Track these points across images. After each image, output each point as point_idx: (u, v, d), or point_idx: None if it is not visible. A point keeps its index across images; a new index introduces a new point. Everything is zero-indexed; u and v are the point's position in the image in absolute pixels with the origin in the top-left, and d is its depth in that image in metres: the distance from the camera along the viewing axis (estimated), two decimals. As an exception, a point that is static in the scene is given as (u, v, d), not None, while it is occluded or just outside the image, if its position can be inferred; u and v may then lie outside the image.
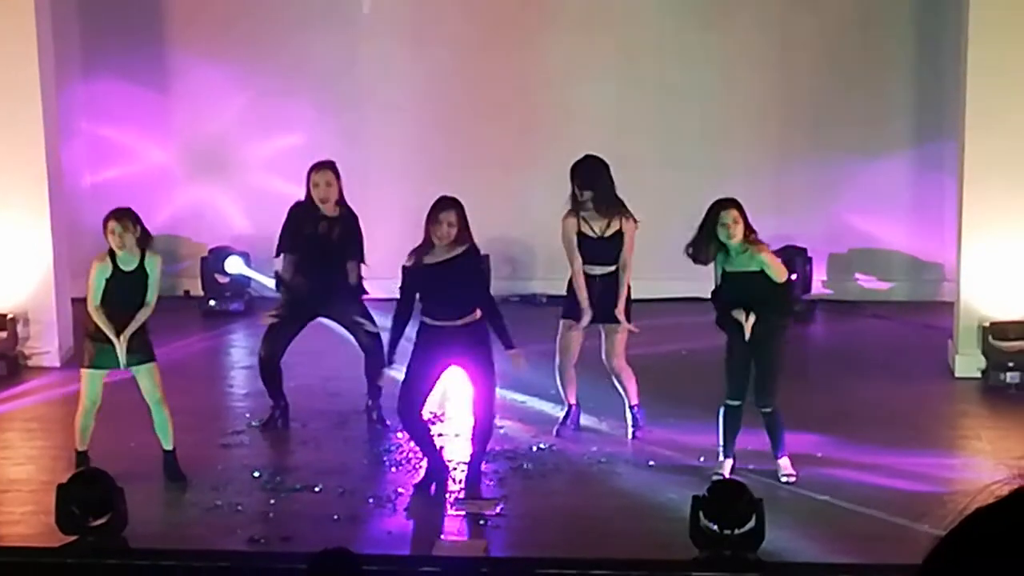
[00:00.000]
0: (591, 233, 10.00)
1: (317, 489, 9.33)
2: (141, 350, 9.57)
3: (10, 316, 12.09)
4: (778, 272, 9.26)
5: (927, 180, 14.05)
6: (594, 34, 14.25)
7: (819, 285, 14.21)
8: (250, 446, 10.25)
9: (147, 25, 14.55)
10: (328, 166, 10.34)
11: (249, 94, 14.48)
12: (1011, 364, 11.38)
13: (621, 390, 10.21)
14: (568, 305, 10.18)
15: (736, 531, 7.11)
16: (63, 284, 12.49)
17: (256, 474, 9.58)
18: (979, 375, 11.53)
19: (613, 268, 10.02)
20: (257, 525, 8.78)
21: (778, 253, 13.66)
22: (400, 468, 9.73)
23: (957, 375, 11.69)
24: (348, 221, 10.33)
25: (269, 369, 10.48)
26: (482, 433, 9.43)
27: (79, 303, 13.08)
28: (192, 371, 12.20)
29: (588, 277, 10.02)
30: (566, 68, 14.27)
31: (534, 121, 14.40)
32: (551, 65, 14.27)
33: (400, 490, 9.30)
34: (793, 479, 9.30)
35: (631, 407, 10.23)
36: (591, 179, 9.96)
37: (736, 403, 9.37)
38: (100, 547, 7.22)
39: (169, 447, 9.58)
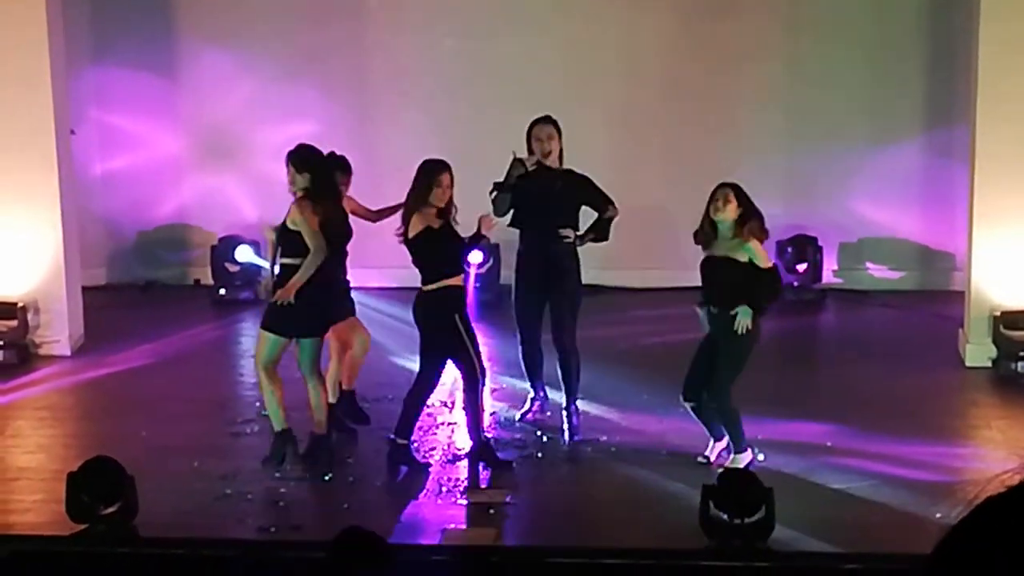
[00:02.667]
0: None
1: (327, 478, 9.34)
2: None
3: (20, 304, 12.10)
4: (763, 259, 9.19)
5: (938, 168, 14.03)
6: (602, 23, 14.23)
7: (829, 274, 14.21)
8: (260, 435, 10.23)
9: (157, 12, 14.55)
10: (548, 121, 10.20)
11: (259, 81, 14.49)
12: (1022, 353, 11.34)
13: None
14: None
15: (746, 520, 7.12)
16: (73, 272, 12.50)
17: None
18: (990, 364, 11.51)
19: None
20: (267, 514, 8.78)
21: (789, 242, 13.77)
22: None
23: (968, 364, 11.67)
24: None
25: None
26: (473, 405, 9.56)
27: (89, 291, 13.14)
28: (202, 360, 12.22)
29: None
30: (574, 57, 14.26)
31: (542, 109, 14.36)
32: (558, 54, 14.25)
33: (410, 479, 9.30)
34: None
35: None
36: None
37: (689, 405, 9.41)
38: (110, 536, 7.24)
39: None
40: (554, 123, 10.12)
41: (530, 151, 10.03)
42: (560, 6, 14.28)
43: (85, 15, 14.35)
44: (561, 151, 10.09)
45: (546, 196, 9.92)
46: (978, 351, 11.61)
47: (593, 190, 10.10)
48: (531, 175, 9.93)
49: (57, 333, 12.28)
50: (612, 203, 10.05)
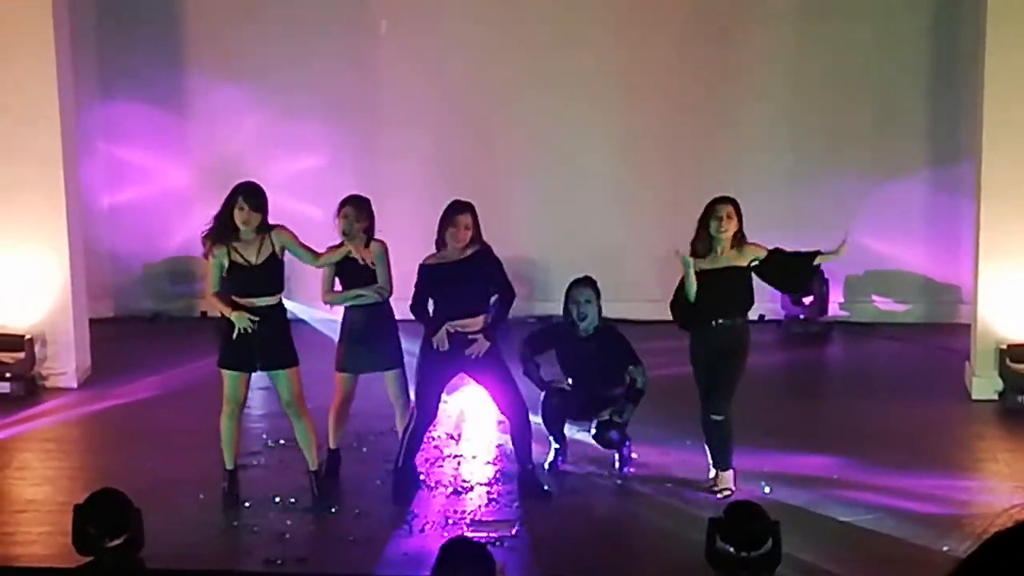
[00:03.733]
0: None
1: (333, 510, 9.33)
2: None
3: (28, 337, 12.12)
4: (762, 249, 9.53)
5: (944, 201, 14.03)
6: (608, 49, 14.27)
7: (835, 307, 14.20)
8: (266, 467, 10.25)
9: (164, 46, 14.60)
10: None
11: (266, 114, 14.52)
12: (1028, 386, 11.35)
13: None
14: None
15: (752, 553, 7.09)
16: (80, 305, 12.52)
17: (276, 499, 9.56)
18: (996, 397, 11.50)
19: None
20: (273, 546, 8.78)
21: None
22: (417, 489, 9.71)
23: (974, 397, 11.66)
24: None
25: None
26: (520, 433, 9.57)
27: (96, 323, 13.15)
28: (208, 392, 12.19)
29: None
30: (580, 84, 14.29)
31: (549, 139, 14.41)
32: (565, 82, 14.29)
33: (416, 511, 9.30)
34: (729, 494, 9.26)
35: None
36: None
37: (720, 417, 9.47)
38: (117, 568, 7.22)
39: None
40: (593, 285, 10.07)
41: (567, 312, 10.05)
42: (565, 33, 14.30)
43: (93, 49, 14.40)
44: (600, 309, 10.03)
45: (586, 360, 10.00)
46: (984, 384, 11.60)
47: (622, 351, 10.04)
48: (569, 344, 10.03)
49: (64, 365, 12.29)
50: (638, 361, 9.97)
